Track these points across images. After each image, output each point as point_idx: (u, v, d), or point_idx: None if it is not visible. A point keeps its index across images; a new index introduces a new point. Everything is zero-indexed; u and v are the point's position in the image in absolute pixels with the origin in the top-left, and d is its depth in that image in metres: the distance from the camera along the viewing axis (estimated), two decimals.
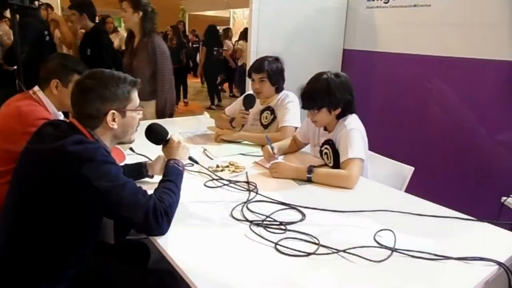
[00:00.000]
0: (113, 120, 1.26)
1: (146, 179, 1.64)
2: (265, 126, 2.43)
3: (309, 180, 1.71)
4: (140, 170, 1.63)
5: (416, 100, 3.13)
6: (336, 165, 1.85)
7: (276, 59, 2.35)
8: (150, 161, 1.67)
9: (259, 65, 2.31)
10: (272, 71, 2.30)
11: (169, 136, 1.51)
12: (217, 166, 1.84)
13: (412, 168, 1.93)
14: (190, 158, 1.57)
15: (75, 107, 1.26)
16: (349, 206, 1.49)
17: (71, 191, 1.12)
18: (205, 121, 2.89)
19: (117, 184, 1.14)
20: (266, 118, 2.42)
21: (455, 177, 2.87)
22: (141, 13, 2.78)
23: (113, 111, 1.26)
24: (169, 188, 1.28)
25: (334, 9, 3.48)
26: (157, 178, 1.39)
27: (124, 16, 2.84)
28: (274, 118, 2.38)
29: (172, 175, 1.35)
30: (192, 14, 12.26)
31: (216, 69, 7.89)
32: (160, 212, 1.18)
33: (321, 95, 1.77)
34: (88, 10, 3.28)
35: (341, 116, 1.84)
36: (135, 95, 1.32)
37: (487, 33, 2.62)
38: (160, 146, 1.54)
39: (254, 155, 2.07)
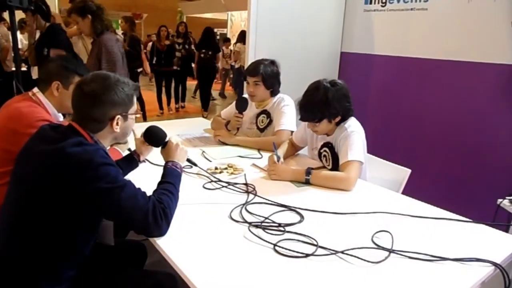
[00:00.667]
0: (117, 124, 1.27)
1: (144, 175, 1.65)
2: (262, 130, 2.44)
3: (307, 182, 1.72)
4: (132, 158, 1.65)
5: (412, 103, 3.16)
6: (335, 167, 1.86)
7: (272, 63, 2.35)
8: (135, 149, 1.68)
9: (254, 68, 2.31)
10: (266, 75, 2.30)
11: (167, 138, 1.52)
12: (216, 168, 1.85)
13: (409, 171, 1.95)
14: (189, 160, 1.58)
15: (78, 110, 1.26)
16: (347, 208, 1.50)
17: (70, 193, 1.13)
18: (201, 124, 2.90)
19: (116, 185, 1.15)
20: (262, 122, 2.43)
21: (451, 180, 2.89)
22: (90, 17, 2.84)
23: (118, 115, 1.27)
24: (167, 189, 1.29)
25: (331, 12, 3.50)
26: (156, 180, 1.39)
27: (79, 27, 2.94)
28: (270, 121, 2.39)
29: (171, 177, 1.36)
30: (189, 17, 12.28)
31: (205, 72, 7.29)
32: (159, 213, 1.19)
33: (320, 107, 1.77)
34: (41, 9, 3.25)
35: (341, 121, 1.85)
36: (135, 99, 1.34)
37: (483, 36, 2.65)
38: (156, 147, 1.55)
39: (252, 157, 2.08)
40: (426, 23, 2.98)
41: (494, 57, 2.61)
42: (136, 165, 1.66)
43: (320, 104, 1.76)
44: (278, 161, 1.84)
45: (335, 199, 1.61)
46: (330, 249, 1.18)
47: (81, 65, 1.83)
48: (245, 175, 1.79)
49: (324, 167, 1.95)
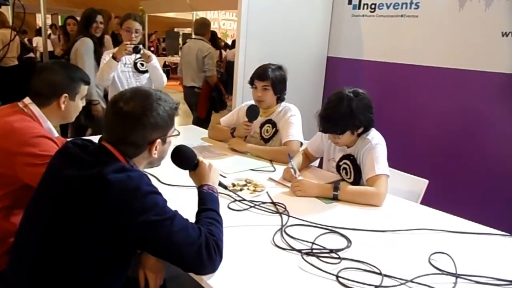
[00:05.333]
0: (155, 148, 1.12)
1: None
2: (266, 140, 2.32)
3: (335, 198, 1.64)
4: None
5: (401, 109, 3.17)
6: (356, 180, 1.79)
7: (279, 67, 2.27)
8: None
9: (263, 72, 2.21)
10: (276, 79, 2.21)
11: (197, 159, 1.36)
12: (234, 185, 1.72)
13: (427, 181, 1.91)
14: (220, 184, 1.41)
15: (113, 131, 1.09)
16: (386, 224, 1.44)
17: (111, 225, 0.97)
18: (194, 132, 2.73)
19: (166, 217, 1.00)
20: (267, 132, 2.32)
21: (464, 190, 2.87)
22: None
23: (158, 139, 1.11)
24: (213, 218, 1.16)
25: (318, 17, 3.45)
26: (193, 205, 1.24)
27: None
28: (276, 131, 2.29)
29: (212, 203, 1.22)
30: (151, 16, 11.83)
31: None
32: (213, 246, 1.06)
33: (344, 120, 1.68)
34: None
35: (362, 132, 1.78)
36: (175, 119, 1.18)
37: (474, 44, 2.70)
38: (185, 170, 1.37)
39: (264, 171, 1.97)
40: (417, 30, 3.00)
41: (485, 65, 2.66)
42: None
43: (344, 116, 1.68)
44: (294, 173, 1.74)
45: (370, 215, 1.54)
46: (397, 278, 1.10)
47: (82, 71, 1.63)
48: (267, 192, 1.67)
49: (343, 180, 1.87)
